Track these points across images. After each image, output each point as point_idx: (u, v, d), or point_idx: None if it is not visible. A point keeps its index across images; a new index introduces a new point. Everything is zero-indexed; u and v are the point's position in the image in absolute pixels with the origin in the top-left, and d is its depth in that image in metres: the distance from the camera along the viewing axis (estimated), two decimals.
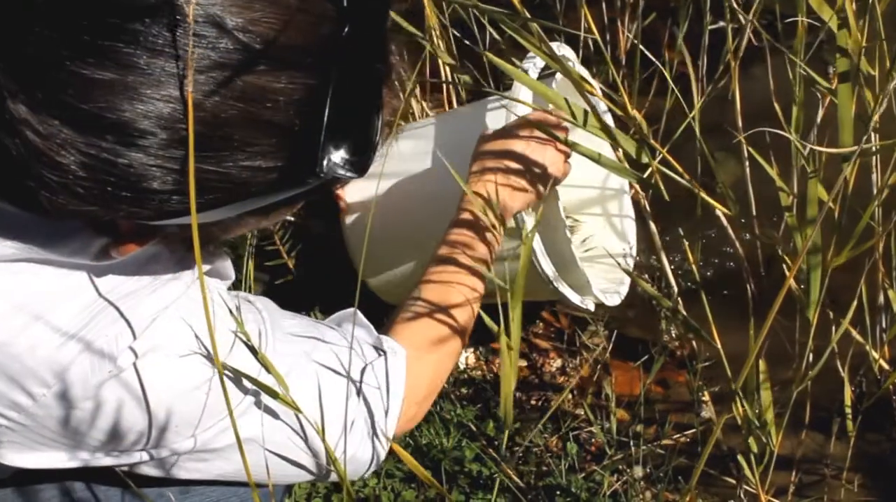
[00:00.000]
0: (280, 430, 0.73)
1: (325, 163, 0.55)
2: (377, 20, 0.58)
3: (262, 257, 1.33)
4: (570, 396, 1.39)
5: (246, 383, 0.69)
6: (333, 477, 0.79)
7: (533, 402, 1.39)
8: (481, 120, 1.17)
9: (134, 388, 0.63)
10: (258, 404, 0.71)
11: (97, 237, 0.60)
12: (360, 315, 0.85)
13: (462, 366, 1.42)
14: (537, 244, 1.12)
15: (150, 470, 0.71)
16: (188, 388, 0.66)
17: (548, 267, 1.12)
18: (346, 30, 0.55)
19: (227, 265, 0.72)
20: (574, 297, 1.19)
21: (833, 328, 1.11)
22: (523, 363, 1.43)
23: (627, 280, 1.32)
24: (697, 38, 1.53)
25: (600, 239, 1.40)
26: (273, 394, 0.67)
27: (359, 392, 0.79)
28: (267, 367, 0.67)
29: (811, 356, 1.02)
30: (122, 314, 0.63)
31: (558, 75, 1.18)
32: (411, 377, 0.83)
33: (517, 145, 1.01)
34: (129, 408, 0.64)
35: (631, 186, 1.42)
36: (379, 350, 0.83)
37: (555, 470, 1.25)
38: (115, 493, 0.76)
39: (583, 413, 1.33)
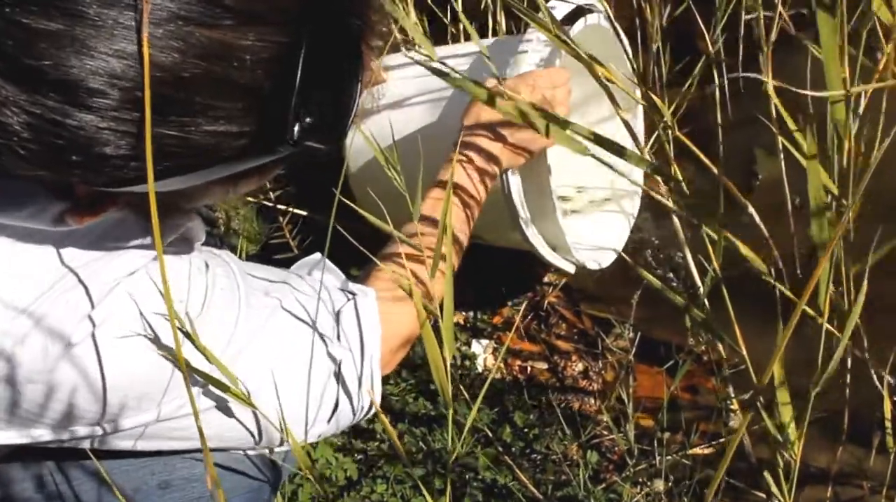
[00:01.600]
0: (254, 394, 0.69)
1: (295, 129, 0.50)
2: None
3: (270, 250, 1.29)
4: (592, 401, 1.32)
5: (218, 346, 0.65)
6: (316, 431, 0.75)
7: (553, 407, 1.32)
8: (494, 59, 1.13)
9: (93, 359, 0.59)
10: (232, 364, 0.66)
11: (55, 202, 0.55)
12: (327, 261, 0.82)
13: (480, 368, 1.36)
14: (515, 184, 1.09)
15: (102, 443, 0.67)
16: (152, 358, 0.61)
17: (522, 210, 1.11)
18: None
19: (198, 226, 0.68)
20: (545, 250, 1.16)
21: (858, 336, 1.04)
22: (543, 365, 1.37)
23: (618, 246, 1.31)
24: (732, 28, 1.46)
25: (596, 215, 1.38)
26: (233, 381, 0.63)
27: (337, 336, 0.75)
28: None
29: (848, 363, 0.95)
30: (81, 281, 0.59)
31: (584, 22, 1.12)
32: (385, 320, 0.79)
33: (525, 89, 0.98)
34: (89, 380, 0.60)
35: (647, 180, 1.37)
36: (347, 293, 0.79)
37: (573, 480, 1.19)
38: (90, 487, 0.73)
39: (605, 419, 1.27)
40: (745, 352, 0.75)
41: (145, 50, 0.45)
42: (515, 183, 1.09)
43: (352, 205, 0.79)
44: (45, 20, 0.44)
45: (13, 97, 0.45)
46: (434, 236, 0.88)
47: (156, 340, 0.61)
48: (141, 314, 0.61)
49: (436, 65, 0.81)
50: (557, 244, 1.19)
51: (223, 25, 0.46)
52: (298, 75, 0.49)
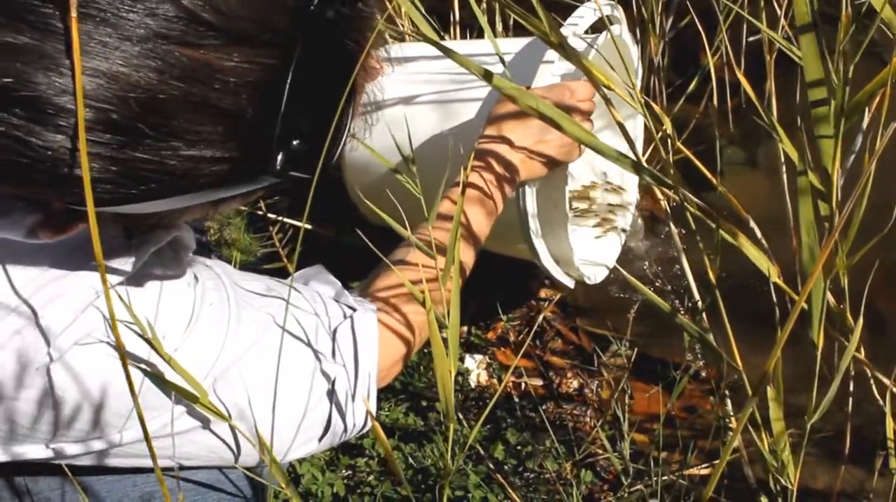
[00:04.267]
0: (242, 412, 0.66)
1: (279, 159, 0.47)
2: None
3: (262, 259, 1.27)
4: (587, 419, 1.29)
5: (205, 364, 0.63)
6: (307, 450, 0.73)
7: (547, 424, 1.29)
8: (518, 65, 1.11)
9: (76, 373, 0.57)
10: (220, 382, 0.64)
11: (28, 214, 0.53)
12: (326, 272, 0.79)
13: (473, 384, 1.33)
14: (530, 196, 1.07)
15: (88, 460, 0.64)
16: (136, 373, 0.59)
17: (533, 221, 1.09)
18: (316, 3, 0.47)
19: (187, 235, 0.65)
20: (549, 263, 1.15)
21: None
22: (539, 382, 1.34)
23: (611, 260, 1.30)
24: (734, 44, 1.45)
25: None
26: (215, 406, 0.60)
27: (332, 353, 0.72)
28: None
29: (850, 384, 0.92)
30: (53, 298, 0.56)
31: (603, 36, 1.11)
32: (383, 336, 0.77)
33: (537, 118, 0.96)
34: (71, 395, 0.58)
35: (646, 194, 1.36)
36: (346, 307, 0.76)
37: (567, 500, 1.16)
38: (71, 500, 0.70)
39: (600, 437, 1.24)
40: (741, 367, 0.72)
41: (77, 74, 0.41)
42: (530, 195, 1.07)
43: (369, 205, 0.75)
44: (12, 34, 0.41)
45: None
46: (444, 246, 0.86)
47: (130, 359, 0.58)
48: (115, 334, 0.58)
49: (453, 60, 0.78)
50: (561, 257, 1.17)
51: (206, 45, 0.44)
52: (284, 101, 0.46)
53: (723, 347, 0.74)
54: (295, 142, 0.48)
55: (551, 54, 1.07)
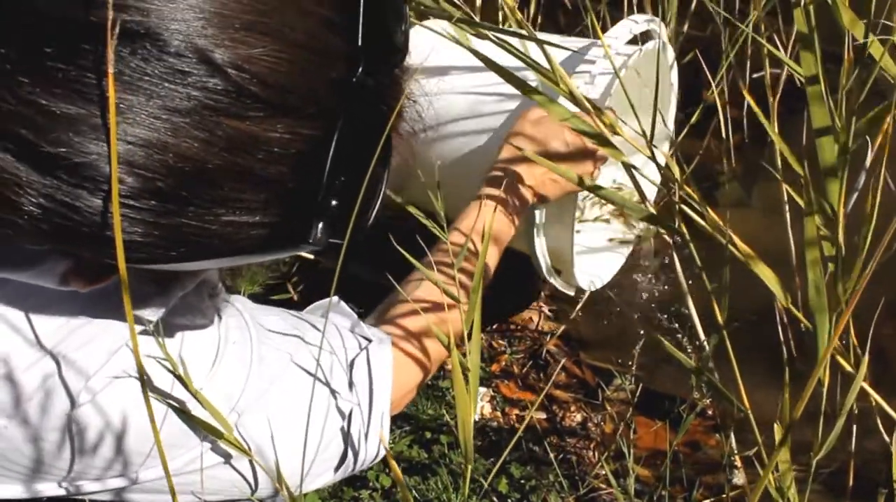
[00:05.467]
0: (262, 447, 0.68)
1: (319, 228, 0.48)
2: (394, 56, 0.50)
3: (267, 290, 1.27)
4: (590, 453, 1.29)
5: (229, 402, 0.64)
6: (323, 481, 0.75)
7: (552, 457, 1.29)
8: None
9: (106, 413, 0.58)
10: (242, 420, 0.66)
11: (61, 260, 0.53)
12: (342, 304, 0.80)
13: (477, 417, 1.33)
14: (539, 216, 1.10)
15: (107, 497, 0.66)
16: (162, 413, 0.60)
17: (539, 243, 1.12)
18: (360, 72, 0.47)
19: (214, 276, 0.66)
20: (552, 277, 1.18)
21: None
22: (542, 415, 1.34)
23: (610, 273, 1.32)
24: (735, 83, 1.47)
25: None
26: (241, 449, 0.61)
27: (349, 386, 0.74)
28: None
29: (852, 423, 0.92)
30: (91, 338, 0.57)
31: (645, 47, 1.11)
32: (398, 368, 0.78)
33: (556, 143, 0.98)
34: (98, 434, 0.59)
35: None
36: (361, 338, 0.77)
37: None
38: None
39: (605, 472, 1.23)
40: (749, 411, 0.72)
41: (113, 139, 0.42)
42: (540, 214, 1.10)
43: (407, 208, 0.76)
44: (65, 103, 0.42)
45: (26, 178, 0.43)
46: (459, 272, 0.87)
47: (161, 398, 0.59)
48: (145, 375, 0.60)
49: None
50: (562, 264, 1.20)
51: (252, 117, 0.44)
52: (327, 171, 0.47)
53: (731, 389, 0.74)
54: (333, 205, 0.48)
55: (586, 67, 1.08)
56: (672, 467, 1.23)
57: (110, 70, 0.39)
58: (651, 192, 1.38)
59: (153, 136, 0.43)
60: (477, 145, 1.15)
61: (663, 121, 1.22)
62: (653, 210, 0.84)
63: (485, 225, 0.88)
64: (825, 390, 0.70)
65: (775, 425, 0.54)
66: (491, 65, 0.72)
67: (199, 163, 0.44)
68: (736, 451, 1.09)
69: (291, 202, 0.47)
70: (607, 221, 1.38)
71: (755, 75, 1.51)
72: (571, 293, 1.22)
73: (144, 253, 0.46)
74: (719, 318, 0.71)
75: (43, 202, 0.43)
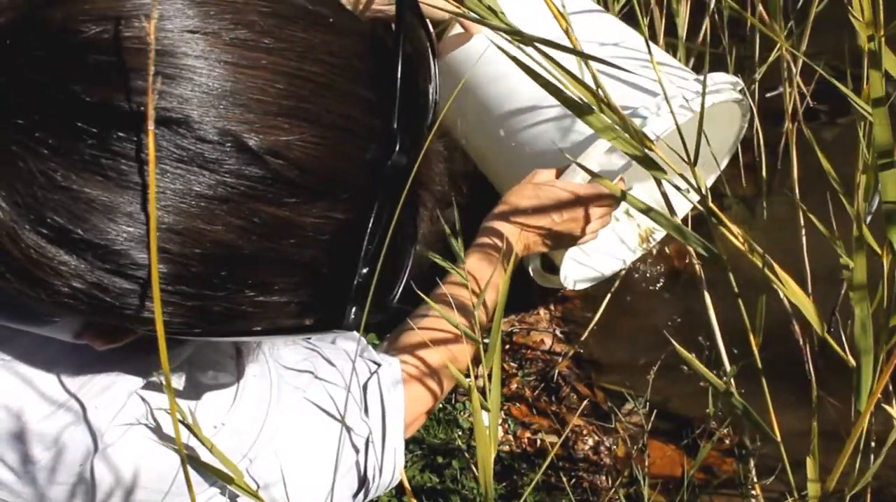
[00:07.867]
0: (278, 482, 0.67)
1: (351, 312, 0.47)
2: (424, 122, 0.49)
3: None
4: (603, 478, 1.27)
5: (246, 441, 0.64)
6: None
7: (565, 482, 1.27)
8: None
9: (118, 461, 0.57)
10: (256, 461, 0.65)
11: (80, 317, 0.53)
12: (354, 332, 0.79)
13: None
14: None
15: None
16: (171, 459, 0.59)
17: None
18: (394, 155, 0.46)
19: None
20: (537, 272, 1.22)
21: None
22: (554, 439, 1.32)
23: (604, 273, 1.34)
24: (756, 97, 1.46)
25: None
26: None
27: (362, 415, 0.74)
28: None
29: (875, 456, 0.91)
30: (106, 387, 0.56)
31: (721, 98, 1.09)
32: (409, 395, 0.78)
33: (563, 201, 1.00)
34: (109, 482, 0.57)
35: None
36: (373, 363, 0.77)
37: None
38: None
39: (618, 497, 1.22)
40: (780, 441, 0.70)
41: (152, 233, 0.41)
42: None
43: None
44: (99, 190, 0.41)
45: (58, 259, 0.42)
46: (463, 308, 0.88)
47: (172, 447, 0.58)
48: (157, 423, 0.59)
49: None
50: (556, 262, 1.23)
51: (288, 203, 0.43)
52: (361, 257, 0.46)
53: (755, 413, 0.73)
54: (365, 294, 0.47)
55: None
56: (687, 492, 1.22)
57: (152, 158, 0.38)
58: (681, 211, 1.37)
59: (188, 223, 0.42)
60: (530, 133, 1.14)
61: (716, 163, 1.23)
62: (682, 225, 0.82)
63: (490, 280, 0.90)
64: (867, 424, 0.69)
65: (808, 461, 0.53)
66: (539, 79, 0.70)
67: (233, 249, 0.43)
68: (756, 479, 1.07)
69: (324, 285, 0.46)
70: (618, 219, 1.38)
71: (768, 94, 1.51)
72: (568, 286, 1.27)
73: (171, 329, 0.45)
74: (753, 345, 0.70)
75: (75, 283, 0.43)
